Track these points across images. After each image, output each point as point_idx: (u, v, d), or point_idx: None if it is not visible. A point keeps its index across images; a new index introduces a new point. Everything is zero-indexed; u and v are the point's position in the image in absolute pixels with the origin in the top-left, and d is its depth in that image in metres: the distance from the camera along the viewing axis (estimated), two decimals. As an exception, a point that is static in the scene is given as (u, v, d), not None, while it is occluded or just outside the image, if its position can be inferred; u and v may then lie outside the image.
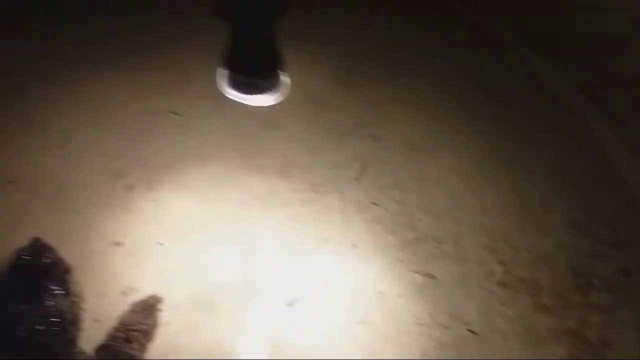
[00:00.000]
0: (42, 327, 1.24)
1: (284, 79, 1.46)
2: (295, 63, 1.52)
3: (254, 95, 1.41)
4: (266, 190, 1.78)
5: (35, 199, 1.65)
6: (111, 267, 1.53)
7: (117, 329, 1.33)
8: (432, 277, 1.59)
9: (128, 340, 1.29)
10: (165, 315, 1.44)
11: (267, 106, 1.51)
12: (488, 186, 1.84)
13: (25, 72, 1.99)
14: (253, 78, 1.40)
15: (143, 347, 1.32)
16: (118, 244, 1.58)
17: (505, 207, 1.79)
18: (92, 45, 2.11)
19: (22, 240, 1.45)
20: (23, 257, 1.36)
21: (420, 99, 2.11)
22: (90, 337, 1.35)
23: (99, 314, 1.42)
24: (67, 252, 1.46)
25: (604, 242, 1.72)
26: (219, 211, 1.71)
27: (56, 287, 1.32)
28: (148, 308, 1.40)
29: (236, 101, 1.45)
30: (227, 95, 1.44)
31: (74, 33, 2.15)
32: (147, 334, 1.34)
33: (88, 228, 1.60)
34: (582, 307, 1.57)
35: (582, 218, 1.77)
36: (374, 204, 1.76)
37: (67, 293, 1.34)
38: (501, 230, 1.72)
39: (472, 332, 1.48)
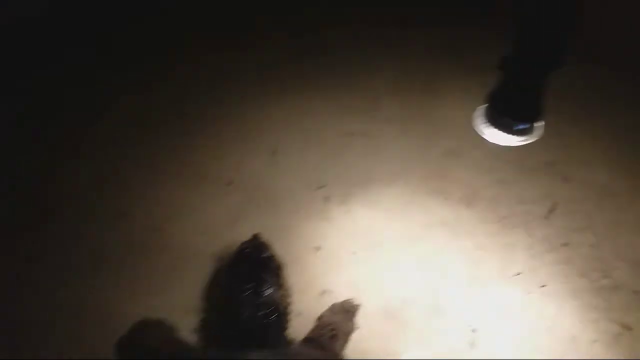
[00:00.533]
0: (262, 314, 1.40)
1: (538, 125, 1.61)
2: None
3: (509, 136, 1.58)
4: (451, 217, 1.84)
5: (248, 200, 1.88)
6: (311, 269, 1.69)
7: (321, 326, 1.46)
8: (629, 328, 1.52)
9: (332, 338, 1.42)
10: (357, 319, 1.56)
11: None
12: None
13: (249, 87, 2.29)
14: (516, 121, 1.63)
15: (343, 347, 1.43)
16: (317, 248, 1.74)
17: None
18: (298, 69, 2.37)
19: (238, 235, 1.66)
20: (246, 249, 1.56)
21: (615, 140, 2.04)
22: (295, 328, 1.50)
23: (302, 309, 1.57)
24: (275, 251, 1.66)
25: None
26: (405, 230, 1.80)
27: (271, 280, 1.49)
28: (347, 311, 1.53)
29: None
30: (479, 130, 1.61)
31: (284, 58, 2.43)
32: (347, 335, 1.46)
33: (291, 231, 1.78)
34: None
35: None
36: (565, 245, 1.73)
37: (280, 286, 1.50)
38: None
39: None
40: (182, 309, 1.57)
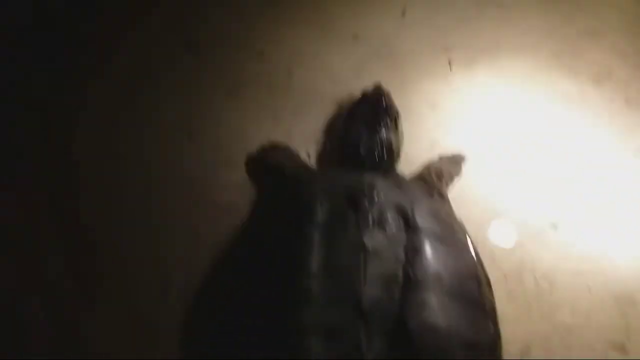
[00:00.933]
0: (377, 150, 1.55)
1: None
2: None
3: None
4: (576, 93, 1.81)
5: (373, 55, 1.96)
6: (425, 123, 1.78)
7: (429, 167, 1.60)
8: None
9: (438, 178, 1.55)
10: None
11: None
12: None
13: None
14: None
15: (447, 186, 1.56)
16: (433, 105, 1.82)
17: None
18: None
19: (361, 85, 1.77)
20: (368, 95, 1.68)
21: None
22: (404, 170, 1.64)
23: (411, 157, 1.70)
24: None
25: None
26: (525, 99, 1.81)
27: (390, 124, 1.62)
28: (454, 160, 1.64)
29: None
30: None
31: None
32: (451, 177, 1.59)
33: (411, 87, 1.86)
34: None
35: None
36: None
37: (396, 130, 1.63)
38: None
39: None
40: (303, 141, 1.76)
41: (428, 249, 1.26)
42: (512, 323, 1.40)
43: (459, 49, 1.94)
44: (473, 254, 1.35)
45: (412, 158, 1.69)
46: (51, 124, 1.78)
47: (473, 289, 1.26)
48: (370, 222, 1.29)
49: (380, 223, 1.29)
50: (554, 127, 1.75)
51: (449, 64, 1.91)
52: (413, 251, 1.25)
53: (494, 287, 1.37)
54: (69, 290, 1.51)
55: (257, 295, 1.26)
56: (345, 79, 1.90)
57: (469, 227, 1.46)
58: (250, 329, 1.22)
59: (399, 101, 1.72)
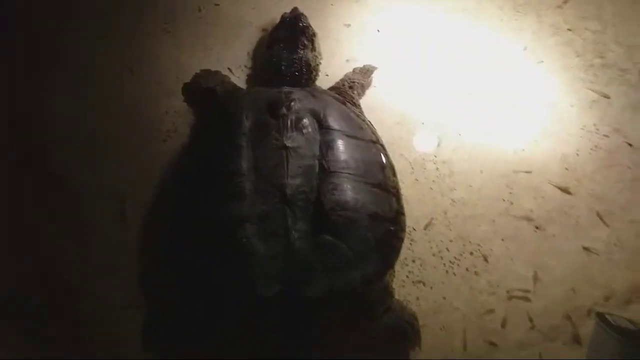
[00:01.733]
0: (295, 65, 1.76)
1: None
2: None
3: None
4: (473, 4, 2.04)
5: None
6: (340, 41, 1.99)
7: (343, 80, 1.82)
8: (607, 97, 1.79)
9: (350, 87, 1.78)
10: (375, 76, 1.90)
11: None
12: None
13: None
14: None
15: (359, 95, 1.80)
16: (347, 25, 2.02)
17: None
18: None
19: (283, 10, 1.95)
20: (287, 18, 1.87)
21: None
22: (323, 84, 1.86)
23: (328, 72, 1.92)
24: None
25: None
26: (428, 14, 2.03)
27: (307, 43, 1.82)
28: (365, 72, 1.87)
29: None
30: None
31: None
32: (363, 87, 1.83)
33: (326, 9, 2.05)
34: None
35: None
36: (570, 30, 1.93)
37: (313, 49, 1.83)
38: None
39: (629, 144, 1.70)
40: (233, 66, 1.95)
41: (339, 144, 1.52)
42: (418, 202, 1.71)
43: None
44: (380, 146, 1.61)
45: (330, 74, 1.91)
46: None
47: (377, 172, 1.53)
48: (289, 126, 1.53)
49: (297, 126, 1.53)
50: (454, 36, 1.99)
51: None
52: (326, 147, 1.51)
53: (401, 175, 1.65)
54: (40, 217, 1.71)
55: (200, 199, 1.50)
56: (268, 6, 2.07)
57: (378, 128, 1.71)
58: (196, 224, 1.47)
59: (316, 22, 1.92)
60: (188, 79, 1.88)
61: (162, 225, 1.63)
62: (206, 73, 1.88)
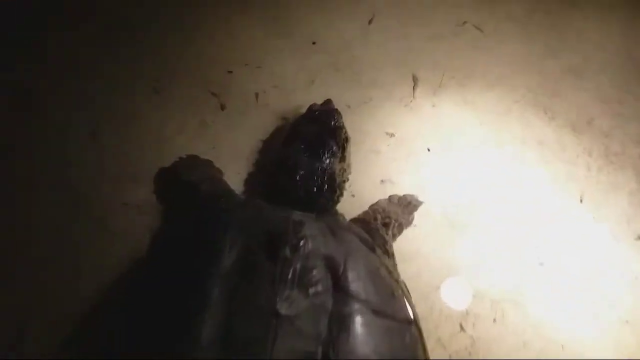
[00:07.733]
0: (317, 179, 1.27)
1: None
2: None
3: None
4: (551, 138, 1.58)
5: (330, 64, 1.69)
6: (378, 153, 1.52)
7: (376, 211, 1.32)
8: None
9: (385, 225, 1.27)
10: (415, 216, 1.39)
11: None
12: None
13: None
14: None
15: (394, 237, 1.29)
16: (390, 134, 1.55)
17: None
18: None
19: (311, 97, 1.50)
20: (316, 111, 1.40)
21: None
22: (345, 208, 1.35)
23: (357, 192, 1.43)
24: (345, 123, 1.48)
25: None
26: (494, 139, 1.57)
27: (335, 149, 1.33)
28: (407, 205, 1.37)
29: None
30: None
31: None
32: (401, 227, 1.31)
33: (368, 108, 1.60)
34: None
35: None
36: None
37: (342, 159, 1.35)
38: None
39: None
40: (233, 156, 1.46)
41: (359, 325, 0.96)
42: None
43: (426, 70, 1.69)
44: (416, 329, 1.07)
45: (358, 194, 1.42)
46: None
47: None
48: (290, 278, 0.99)
49: (302, 280, 0.99)
50: (524, 174, 1.51)
51: (413, 86, 1.65)
52: (339, 325, 0.96)
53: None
54: None
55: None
56: (293, 87, 1.62)
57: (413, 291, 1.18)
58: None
59: (352, 123, 1.46)
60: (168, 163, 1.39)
61: None
62: (192, 160, 1.38)
